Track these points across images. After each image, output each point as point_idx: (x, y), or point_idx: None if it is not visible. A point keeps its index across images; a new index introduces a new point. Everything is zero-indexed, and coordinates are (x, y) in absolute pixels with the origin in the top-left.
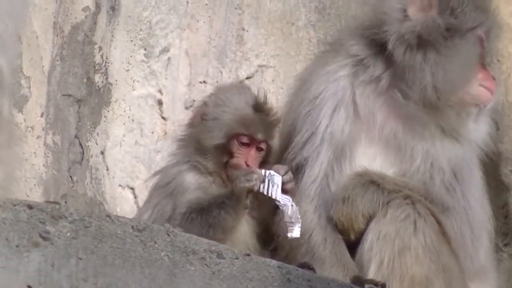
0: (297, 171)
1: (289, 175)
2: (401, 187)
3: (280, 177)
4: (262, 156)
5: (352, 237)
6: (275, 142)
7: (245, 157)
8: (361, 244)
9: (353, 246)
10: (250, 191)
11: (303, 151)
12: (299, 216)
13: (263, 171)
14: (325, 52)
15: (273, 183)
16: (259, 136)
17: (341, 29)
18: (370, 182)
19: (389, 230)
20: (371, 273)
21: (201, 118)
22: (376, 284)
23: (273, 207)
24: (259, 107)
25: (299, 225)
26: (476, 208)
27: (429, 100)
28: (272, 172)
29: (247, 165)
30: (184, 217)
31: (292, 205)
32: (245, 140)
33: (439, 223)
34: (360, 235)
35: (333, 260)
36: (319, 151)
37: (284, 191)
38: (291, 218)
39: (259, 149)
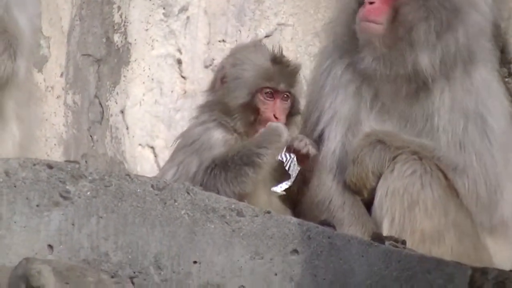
0: (316, 143)
1: (304, 141)
2: (409, 144)
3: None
4: (289, 107)
5: (366, 195)
6: (298, 90)
7: (272, 109)
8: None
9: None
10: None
11: (318, 127)
12: (294, 175)
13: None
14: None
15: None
16: (282, 86)
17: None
18: (377, 140)
19: (396, 185)
20: (385, 229)
21: (221, 81)
22: (396, 240)
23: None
24: (277, 59)
25: (288, 182)
26: (495, 161)
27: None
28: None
29: (276, 118)
30: (207, 172)
31: (294, 165)
32: (268, 92)
33: (447, 178)
34: (374, 193)
35: (352, 219)
36: (331, 126)
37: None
38: (288, 178)
39: (284, 99)
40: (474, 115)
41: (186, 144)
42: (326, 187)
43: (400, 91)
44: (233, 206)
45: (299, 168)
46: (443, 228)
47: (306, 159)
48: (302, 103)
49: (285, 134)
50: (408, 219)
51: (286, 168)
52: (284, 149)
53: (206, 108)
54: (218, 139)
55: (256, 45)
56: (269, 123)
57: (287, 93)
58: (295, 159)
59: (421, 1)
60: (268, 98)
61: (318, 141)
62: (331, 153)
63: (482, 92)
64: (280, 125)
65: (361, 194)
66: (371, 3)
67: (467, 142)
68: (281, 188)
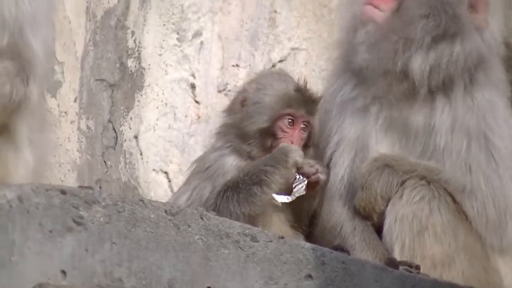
0: (327, 168)
1: (315, 167)
2: (416, 167)
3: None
4: (306, 138)
5: (375, 219)
6: (316, 122)
7: (290, 137)
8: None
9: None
10: (298, 166)
11: (327, 152)
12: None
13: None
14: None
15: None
16: (303, 114)
17: None
18: (385, 165)
19: (405, 212)
20: (396, 255)
21: (241, 104)
22: (410, 265)
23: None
24: (300, 87)
25: (289, 198)
26: (503, 182)
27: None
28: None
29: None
30: (219, 195)
31: (301, 188)
32: (289, 120)
33: (455, 202)
34: (383, 217)
35: (363, 245)
36: (338, 152)
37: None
38: (292, 192)
39: (303, 129)
40: (477, 134)
41: (201, 169)
42: (337, 214)
43: (394, 91)
44: (247, 231)
45: (304, 192)
46: (453, 252)
47: (316, 185)
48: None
49: (293, 154)
50: (418, 244)
51: (293, 186)
52: (296, 170)
53: (221, 133)
54: (232, 166)
55: (281, 73)
56: (280, 144)
57: (306, 123)
58: (305, 183)
59: None
60: (288, 126)
61: (328, 167)
62: (340, 179)
63: (485, 111)
64: (288, 146)
65: (371, 219)
66: None
67: (473, 163)
68: (280, 198)
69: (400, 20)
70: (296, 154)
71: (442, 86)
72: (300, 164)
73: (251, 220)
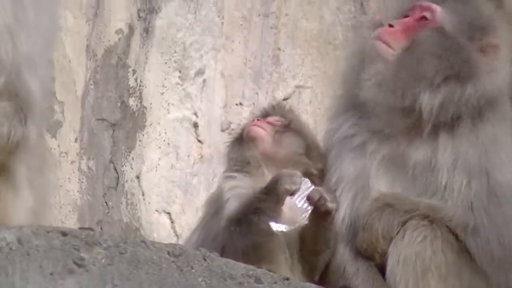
0: None
1: (321, 195)
2: (418, 206)
3: (311, 188)
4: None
5: (378, 259)
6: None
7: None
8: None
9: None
10: (290, 193)
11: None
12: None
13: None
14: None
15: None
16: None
17: None
18: (385, 204)
19: (408, 253)
20: None
21: None
22: None
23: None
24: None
25: (286, 227)
26: (506, 219)
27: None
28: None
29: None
30: (224, 232)
31: (303, 218)
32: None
33: (459, 240)
34: (386, 257)
35: (367, 286)
36: (337, 192)
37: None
38: (291, 224)
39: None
40: (478, 170)
41: (208, 204)
42: (340, 255)
43: (395, 127)
44: (251, 272)
45: (306, 222)
46: None
47: (327, 216)
48: None
49: (284, 180)
50: (422, 286)
51: (295, 214)
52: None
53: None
54: (232, 189)
55: None
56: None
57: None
58: (308, 212)
59: (441, 39)
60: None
61: None
62: (341, 221)
63: (488, 147)
64: (281, 172)
65: (373, 259)
66: (390, 26)
67: (474, 199)
68: (277, 227)
69: (411, 57)
70: (288, 181)
71: (449, 122)
72: (293, 191)
73: (259, 257)
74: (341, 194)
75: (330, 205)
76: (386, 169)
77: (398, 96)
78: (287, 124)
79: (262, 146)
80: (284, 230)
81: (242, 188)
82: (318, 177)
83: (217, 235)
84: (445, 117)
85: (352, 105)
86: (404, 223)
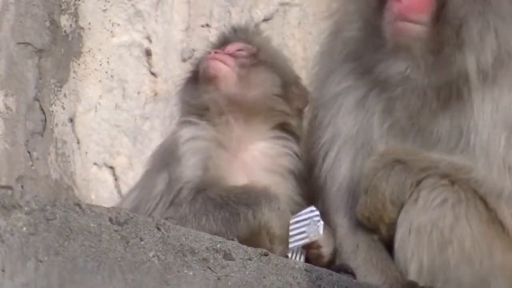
0: (321, 179)
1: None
2: (437, 164)
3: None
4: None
5: (384, 232)
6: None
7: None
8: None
9: None
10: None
11: (320, 150)
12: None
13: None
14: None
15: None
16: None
17: None
18: (395, 160)
19: (422, 220)
20: (412, 278)
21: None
22: None
23: None
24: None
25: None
26: None
27: None
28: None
29: None
30: (183, 201)
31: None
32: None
33: (489, 209)
34: (395, 229)
35: (368, 266)
36: (333, 150)
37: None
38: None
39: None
40: None
41: (154, 157)
42: (337, 229)
43: (428, 103)
44: (218, 246)
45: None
46: (487, 273)
47: (318, 258)
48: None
49: (274, 224)
50: (440, 263)
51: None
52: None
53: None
54: (188, 139)
55: None
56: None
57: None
58: (303, 256)
59: None
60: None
61: (321, 167)
62: (338, 187)
63: None
64: (268, 215)
65: (378, 232)
66: None
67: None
68: None
69: (449, 25)
70: (277, 225)
71: (491, 73)
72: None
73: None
74: (338, 153)
75: (324, 250)
76: (394, 128)
77: (444, 73)
78: (255, 54)
79: (224, 87)
80: None
81: (203, 140)
82: (298, 133)
83: (163, 195)
84: (493, 72)
85: (353, 51)
86: (418, 183)
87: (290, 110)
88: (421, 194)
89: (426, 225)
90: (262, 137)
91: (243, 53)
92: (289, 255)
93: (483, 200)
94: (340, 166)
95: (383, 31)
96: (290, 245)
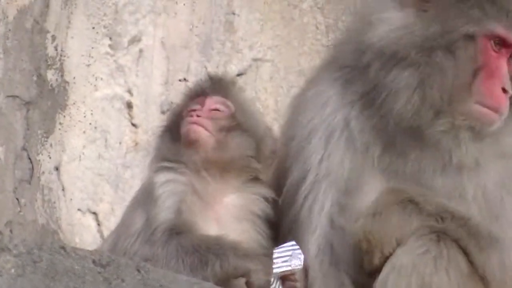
0: (295, 218)
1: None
2: (442, 211)
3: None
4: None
5: (377, 261)
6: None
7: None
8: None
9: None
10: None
11: (298, 195)
12: None
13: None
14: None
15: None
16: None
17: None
18: (408, 200)
19: (404, 261)
20: None
21: None
22: None
23: None
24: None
25: None
26: None
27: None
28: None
29: None
30: (157, 242)
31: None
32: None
33: (471, 262)
34: (381, 265)
35: None
36: (316, 192)
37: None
38: None
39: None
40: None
41: (132, 200)
42: (311, 270)
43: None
44: (195, 287)
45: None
46: None
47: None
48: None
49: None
50: None
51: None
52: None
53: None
54: (163, 184)
55: None
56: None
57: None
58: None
59: None
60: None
61: (299, 210)
62: (317, 235)
63: None
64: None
65: (369, 259)
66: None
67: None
68: None
69: None
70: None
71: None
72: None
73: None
74: (318, 195)
75: (299, 286)
76: (390, 169)
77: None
78: (233, 115)
79: (203, 151)
80: None
81: (178, 183)
82: (266, 184)
83: (140, 232)
84: None
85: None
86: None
87: (261, 167)
88: (410, 238)
89: (408, 267)
90: (234, 190)
91: (221, 114)
92: (271, 281)
93: (467, 256)
94: (322, 207)
95: None
96: (274, 271)
